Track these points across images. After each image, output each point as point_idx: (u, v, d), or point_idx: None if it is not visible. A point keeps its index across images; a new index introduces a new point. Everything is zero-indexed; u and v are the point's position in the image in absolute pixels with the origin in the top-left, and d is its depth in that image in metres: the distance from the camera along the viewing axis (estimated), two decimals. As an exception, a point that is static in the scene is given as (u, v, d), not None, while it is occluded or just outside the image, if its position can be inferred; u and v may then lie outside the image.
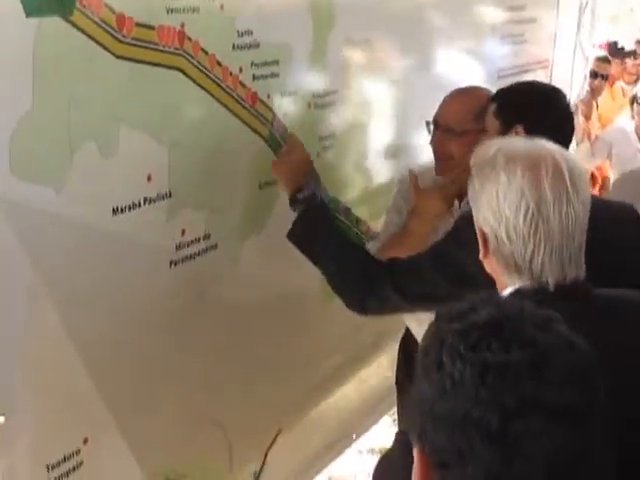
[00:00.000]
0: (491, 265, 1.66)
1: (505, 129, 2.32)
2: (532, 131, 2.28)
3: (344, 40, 2.77)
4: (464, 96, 2.70)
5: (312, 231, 2.39)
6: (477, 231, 1.65)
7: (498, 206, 1.57)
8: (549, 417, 0.97)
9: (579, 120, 5.41)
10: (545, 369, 0.99)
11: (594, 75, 5.60)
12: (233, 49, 2.29)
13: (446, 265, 2.16)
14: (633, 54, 6.48)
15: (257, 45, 2.36)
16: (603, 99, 5.81)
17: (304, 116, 2.65)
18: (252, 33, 2.34)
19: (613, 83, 6.13)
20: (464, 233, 1.90)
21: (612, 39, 6.61)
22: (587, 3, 5.22)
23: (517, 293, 1.59)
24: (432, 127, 2.66)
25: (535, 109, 2.33)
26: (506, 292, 1.61)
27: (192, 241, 2.25)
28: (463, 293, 2.13)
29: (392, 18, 3.01)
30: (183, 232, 2.22)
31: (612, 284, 1.97)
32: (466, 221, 1.82)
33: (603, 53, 5.89)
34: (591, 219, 2.22)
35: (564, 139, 2.37)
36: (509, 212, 1.56)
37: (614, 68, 5.95)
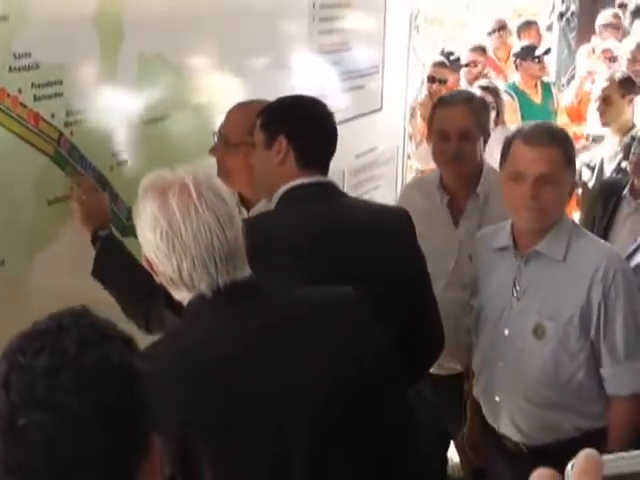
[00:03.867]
0: None
1: (269, 141, 2.42)
2: (294, 140, 2.41)
3: (135, 55, 2.84)
4: (242, 109, 2.79)
5: (106, 267, 2.60)
6: (144, 261, 1.84)
7: (143, 233, 1.77)
8: (53, 414, 1.13)
9: (417, 122, 5.62)
10: (59, 376, 1.14)
11: (432, 80, 5.82)
12: (10, 71, 2.36)
13: None
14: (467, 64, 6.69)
15: (37, 66, 2.44)
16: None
17: (94, 132, 2.72)
18: (30, 55, 2.42)
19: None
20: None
21: (449, 46, 6.86)
22: (418, 10, 5.40)
23: (188, 306, 1.79)
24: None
25: (295, 119, 2.44)
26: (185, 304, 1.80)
27: (-25, 258, 2.32)
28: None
29: (186, 32, 3.08)
30: (-35, 250, 2.29)
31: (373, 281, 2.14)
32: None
33: (440, 59, 6.10)
34: (357, 224, 2.39)
35: (327, 148, 2.50)
36: (151, 236, 1.75)
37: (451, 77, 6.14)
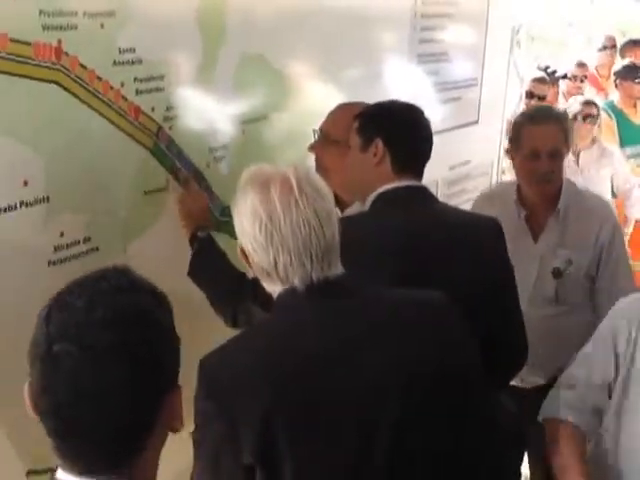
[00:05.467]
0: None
1: (366, 143, 2.45)
2: (391, 143, 2.43)
3: (237, 55, 2.89)
4: (343, 108, 2.84)
5: (201, 268, 2.67)
6: (239, 252, 1.88)
7: (242, 224, 1.81)
8: (81, 348, 1.30)
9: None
10: (89, 316, 1.32)
11: (530, 95, 5.77)
12: (114, 65, 2.43)
13: None
14: (567, 78, 6.63)
15: (140, 61, 2.51)
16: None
17: (192, 128, 2.78)
18: (134, 50, 2.49)
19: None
20: None
21: (550, 63, 6.79)
22: (520, 25, 5.37)
23: (278, 298, 1.82)
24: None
25: (393, 123, 2.46)
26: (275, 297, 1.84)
27: (71, 243, 2.39)
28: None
29: (287, 34, 3.13)
30: (62, 234, 2.36)
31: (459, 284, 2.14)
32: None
33: (540, 74, 6.05)
34: (449, 229, 2.40)
35: (423, 152, 2.51)
36: (249, 227, 1.79)
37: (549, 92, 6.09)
